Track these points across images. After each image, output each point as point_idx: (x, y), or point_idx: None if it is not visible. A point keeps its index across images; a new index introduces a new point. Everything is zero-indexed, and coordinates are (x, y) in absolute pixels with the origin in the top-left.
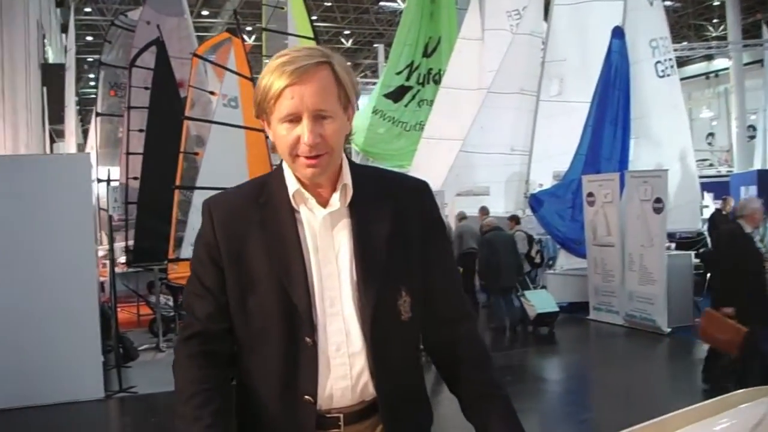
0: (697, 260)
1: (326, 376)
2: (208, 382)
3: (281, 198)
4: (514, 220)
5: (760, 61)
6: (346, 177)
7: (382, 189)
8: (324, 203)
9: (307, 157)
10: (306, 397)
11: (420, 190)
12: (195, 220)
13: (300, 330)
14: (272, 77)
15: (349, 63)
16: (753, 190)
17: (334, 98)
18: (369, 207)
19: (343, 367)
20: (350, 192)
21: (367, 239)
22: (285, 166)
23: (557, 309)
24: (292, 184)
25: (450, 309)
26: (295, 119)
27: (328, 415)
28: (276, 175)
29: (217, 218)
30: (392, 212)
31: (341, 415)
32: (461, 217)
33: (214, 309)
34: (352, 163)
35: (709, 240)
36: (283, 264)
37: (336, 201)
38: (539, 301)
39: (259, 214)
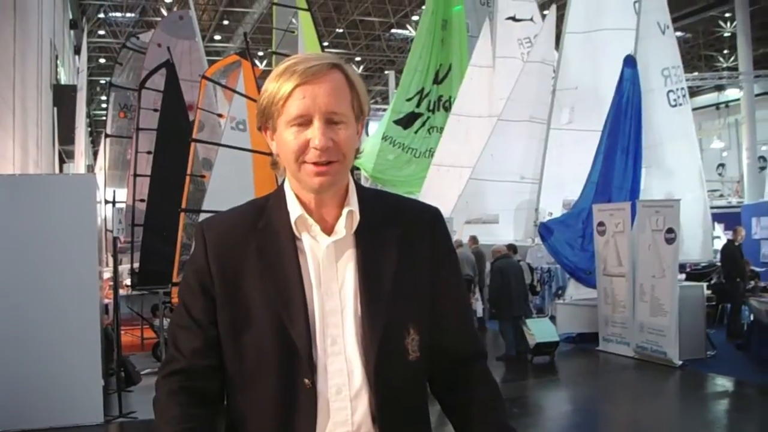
0: (709, 292)
1: (325, 420)
2: (189, 421)
3: (282, 223)
4: (512, 249)
5: None
6: (353, 202)
7: (390, 215)
8: (328, 229)
9: (317, 164)
10: None
11: (432, 217)
12: None
13: (298, 370)
14: (281, 79)
15: None
16: (765, 221)
17: (347, 103)
18: (376, 235)
19: (344, 412)
20: (357, 219)
21: (373, 272)
22: (287, 187)
23: (557, 339)
24: (294, 209)
25: (463, 347)
26: (305, 122)
27: None
28: (276, 197)
29: (211, 243)
30: (401, 241)
31: None
32: (458, 245)
33: (200, 343)
34: (359, 186)
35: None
36: (281, 297)
37: (341, 228)
38: (540, 330)
39: (257, 240)
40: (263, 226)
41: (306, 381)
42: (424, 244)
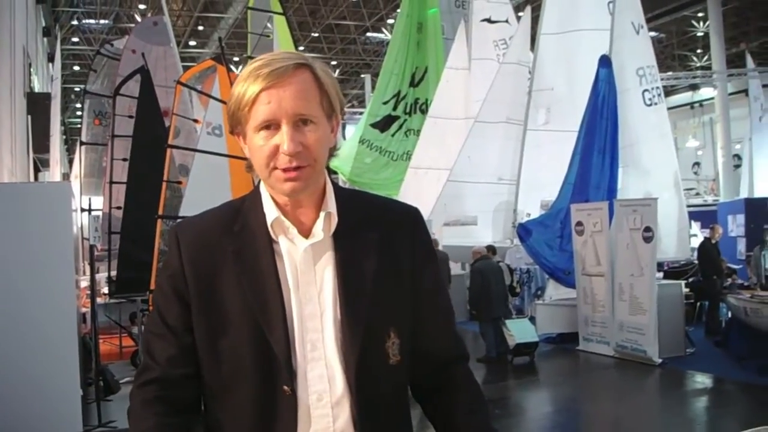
0: (687, 289)
1: (306, 428)
2: (164, 430)
3: (258, 226)
4: (491, 250)
5: (745, 91)
6: (330, 204)
7: (369, 216)
8: (306, 232)
9: (287, 170)
10: None
11: (411, 217)
12: None
13: (277, 377)
14: (246, 83)
15: None
16: (741, 218)
17: (315, 103)
18: (355, 237)
19: (326, 419)
20: (335, 220)
21: (352, 275)
22: (263, 189)
23: (537, 339)
24: (270, 211)
25: (445, 350)
26: (272, 126)
27: None
28: (252, 199)
29: (185, 247)
30: (381, 243)
31: None
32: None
33: (175, 351)
34: (336, 187)
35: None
36: (259, 301)
37: (319, 231)
38: (519, 330)
39: (234, 243)
40: (239, 229)
41: (285, 388)
42: (404, 246)
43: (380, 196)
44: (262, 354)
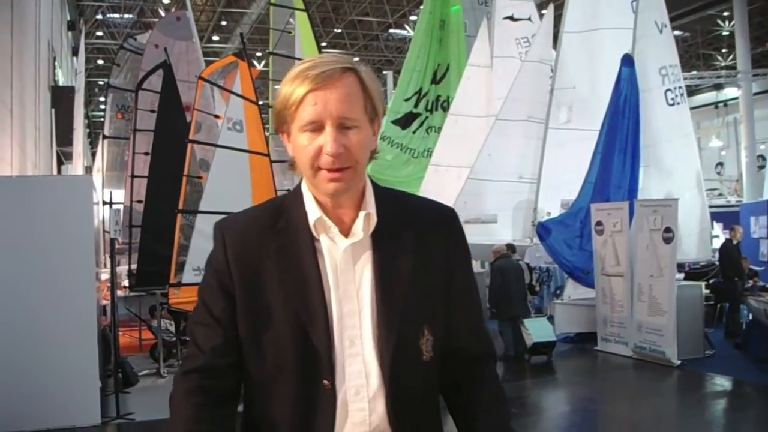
0: (708, 291)
1: (343, 421)
2: (202, 422)
3: (300, 225)
4: (510, 248)
5: None
6: (370, 204)
7: (407, 217)
8: (345, 230)
9: (330, 170)
10: None
11: (448, 218)
12: (197, 245)
13: (318, 371)
14: (294, 84)
15: None
16: (763, 220)
17: (359, 107)
18: (393, 237)
19: (362, 413)
20: (374, 221)
21: (390, 274)
22: (304, 188)
23: (554, 338)
24: (312, 211)
25: (474, 348)
26: (317, 128)
27: None
28: (295, 198)
29: (230, 244)
30: (417, 243)
31: None
32: None
33: (221, 341)
34: (375, 186)
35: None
36: (301, 298)
37: (359, 230)
38: (537, 329)
39: (277, 241)
40: (282, 228)
41: (325, 382)
42: (439, 246)
43: (418, 197)
44: (304, 349)
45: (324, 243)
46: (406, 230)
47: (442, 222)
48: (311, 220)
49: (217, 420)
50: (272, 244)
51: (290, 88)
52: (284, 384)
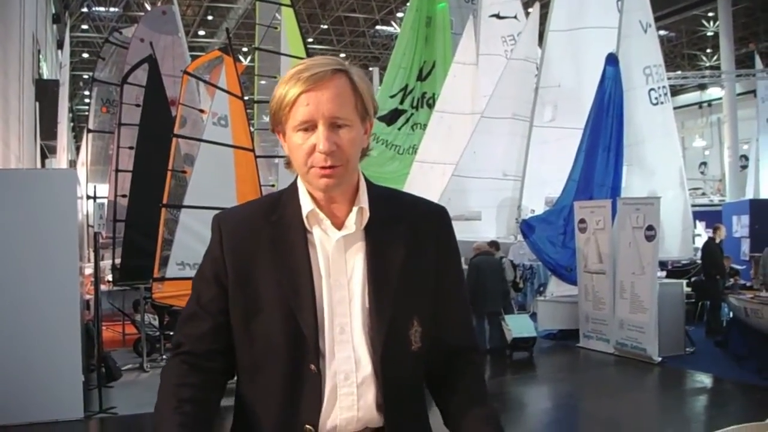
0: (689, 289)
1: (332, 405)
2: (194, 385)
3: (294, 217)
4: (494, 245)
5: (753, 92)
6: (363, 199)
7: (399, 212)
8: (339, 224)
9: (322, 167)
10: (307, 426)
11: (439, 216)
12: (182, 239)
13: (305, 357)
14: (288, 85)
15: None
16: (745, 219)
17: (350, 106)
18: (385, 231)
19: (350, 397)
20: (366, 215)
21: (381, 265)
22: (300, 183)
23: (534, 334)
24: (306, 204)
25: (460, 340)
26: (310, 127)
27: None
28: (290, 192)
29: (226, 234)
30: (408, 238)
31: None
32: None
33: (207, 329)
34: (369, 183)
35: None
36: (292, 287)
37: (351, 223)
38: (517, 325)
39: (270, 232)
40: (276, 220)
41: (312, 366)
42: (430, 241)
43: (412, 195)
44: (292, 335)
45: (316, 235)
46: (398, 225)
47: (433, 219)
48: (304, 213)
49: (209, 385)
50: (266, 235)
51: (284, 89)
52: (273, 367)
